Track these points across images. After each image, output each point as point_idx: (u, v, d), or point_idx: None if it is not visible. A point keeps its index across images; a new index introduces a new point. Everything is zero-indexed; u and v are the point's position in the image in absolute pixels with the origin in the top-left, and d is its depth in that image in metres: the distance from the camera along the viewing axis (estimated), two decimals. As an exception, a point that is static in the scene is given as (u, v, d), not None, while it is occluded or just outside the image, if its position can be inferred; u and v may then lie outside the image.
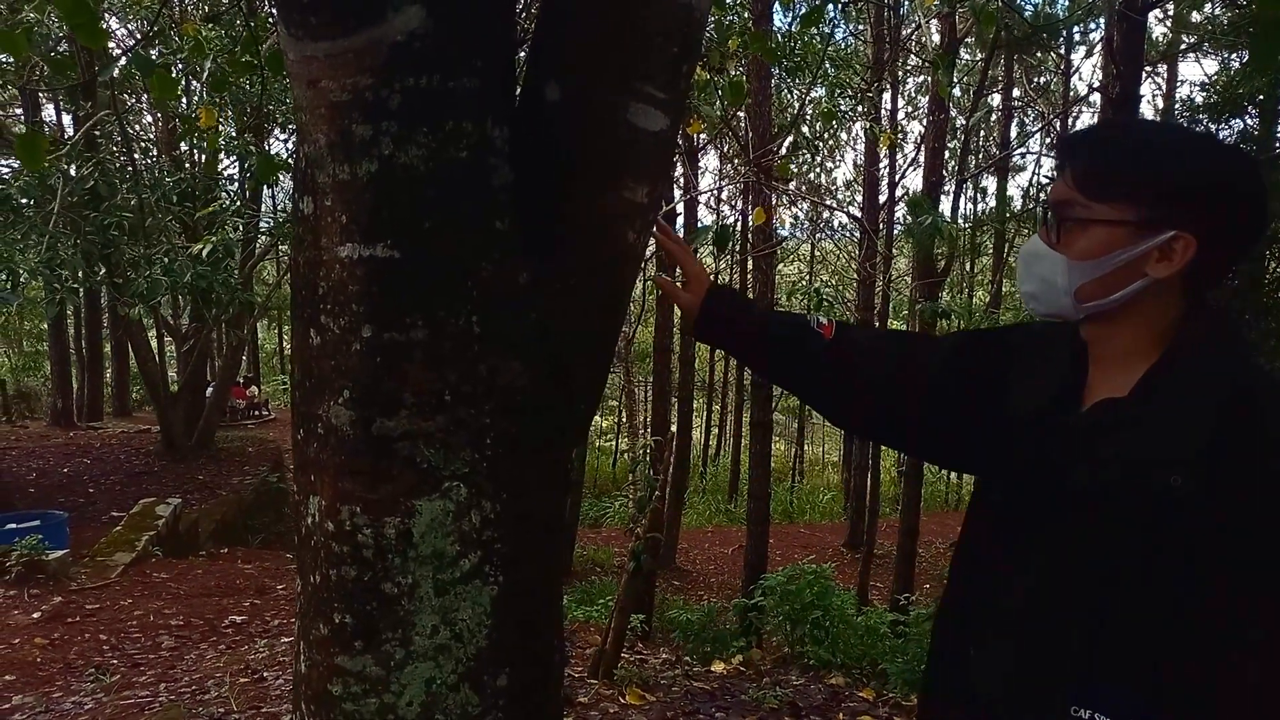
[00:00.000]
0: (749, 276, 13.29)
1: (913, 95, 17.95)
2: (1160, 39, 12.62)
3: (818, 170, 20.86)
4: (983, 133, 18.39)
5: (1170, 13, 10.32)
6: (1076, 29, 13.42)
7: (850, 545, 13.73)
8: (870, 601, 8.96)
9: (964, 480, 18.28)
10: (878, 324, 12.09)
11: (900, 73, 14.52)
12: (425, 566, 1.07)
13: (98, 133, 8.77)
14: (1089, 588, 0.89)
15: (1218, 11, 8.89)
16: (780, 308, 9.89)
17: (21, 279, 7.68)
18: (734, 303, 1.36)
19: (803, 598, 5.73)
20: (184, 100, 10.10)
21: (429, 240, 1.02)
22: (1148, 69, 13.36)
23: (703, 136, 12.00)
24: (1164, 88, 15.73)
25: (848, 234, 19.90)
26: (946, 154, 10.90)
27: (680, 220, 11.59)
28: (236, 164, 10.46)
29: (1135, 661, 0.86)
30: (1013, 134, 17.26)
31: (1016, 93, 17.07)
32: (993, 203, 18.39)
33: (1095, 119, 11.90)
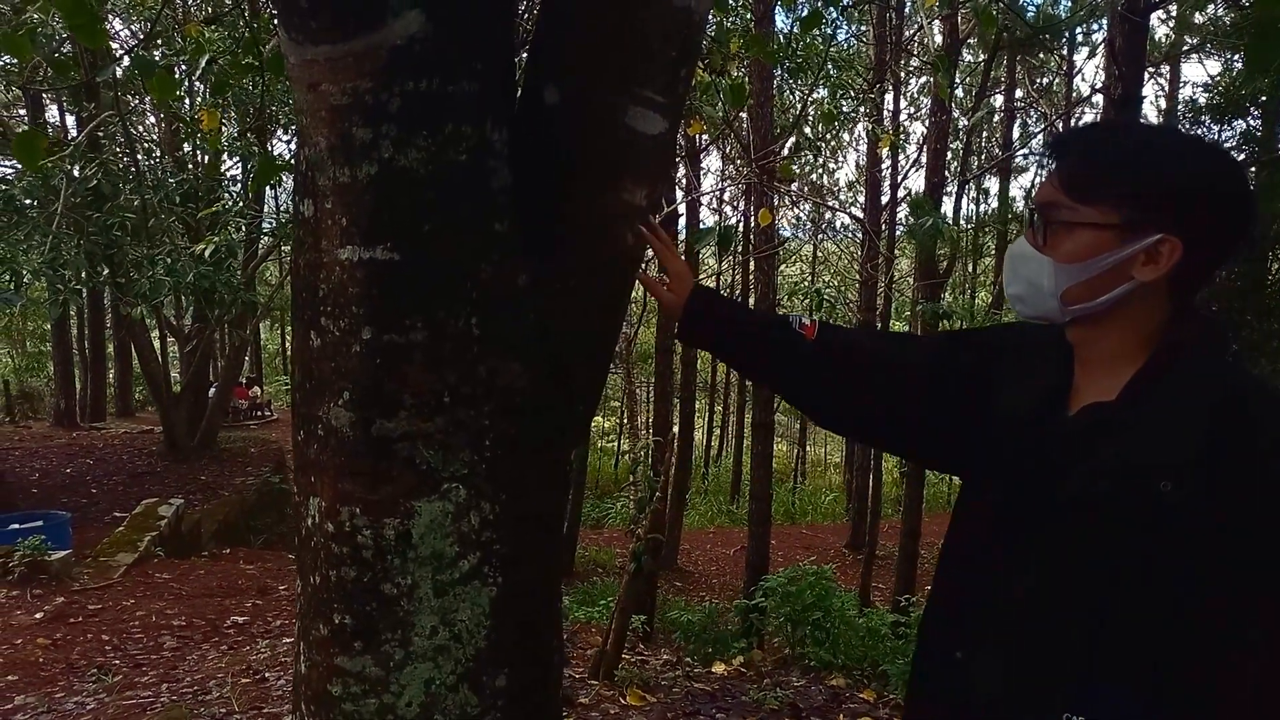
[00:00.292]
0: (751, 277, 13.29)
1: (915, 96, 17.94)
2: (1163, 39, 12.62)
3: (820, 171, 20.85)
4: (985, 134, 18.37)
5: (1173, 14, 10.31)
6: (1079, 29, 13.43)
7: (852, 546, 13.72)
8: (872, 603, 8.96)
9: (966, 481, 18.18)
10: (880, 325, 12.07)
11: (903, 74, 14.51)
12: (424, 567, 1.07)
13: (101, 133, 8.79)
14: (1086, 590, 0.89)
15: (1220, 12, 8.89)
16: (782, 308, 9.90)
17: (25, 279, 7.70)
18: (717, 303, 1.36)
19: (804, 599, 5.72)
20: (186, 102, 10.13)
21: (428, 242, 1.02)
22: (1150, 70, 13.36)
23: (705, 137, 11.99)
24: (1167, 89, 15.73)
25: (850, 235, 19.87)
26: (949, 155, 10.90)
27: (683, 221, 11.59)
28: (239, 165, 10.49)
29: (1134, 663, 0.86)
30: (1015, 135, 17.25)
31: (1019, 93, 17.07)
32: (995, 204, 18.39)
33: (1098, 119, 11.88)
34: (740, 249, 14.14)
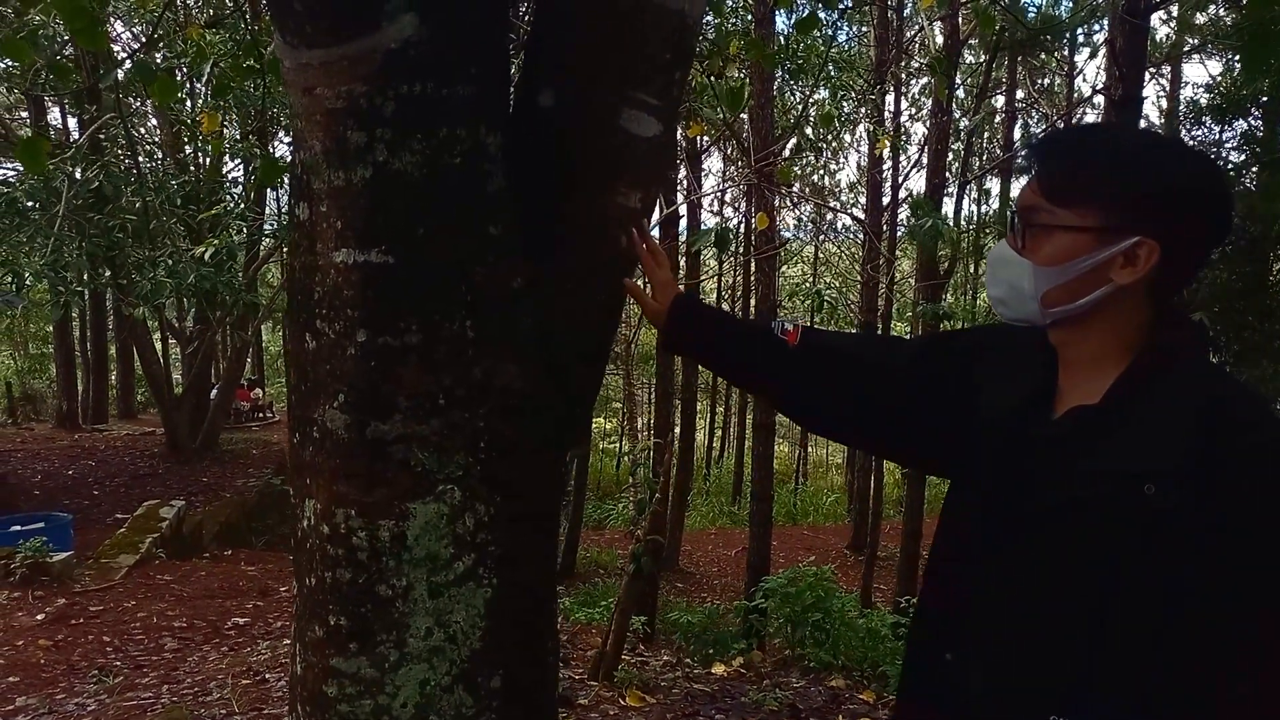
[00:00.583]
0: (752, 279, 13.29)
1: (916, 97, 17.94)
2: (1164, 40, 12.61)
3: (821, 172, 20.84)
4: (986, 134, 18.36)
5: (1174, 14, 10.30)
6: (1080, 30, 13.42)
7: (854, 547, 13.71)
8: (873, 604, 8.95)
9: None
10: (881, 326, 12.07)
11: (904, 75, 14.50)
12: (419, 569, 1.07)
13: (103, 136, 8.80)
14: (1071, 593, 0.89)
15: (1221, 13, 8.89)
16: (783, 309, 9.90)
17: (27, 281, 7.72)
18: (700, 311, 1.36)
19: (804, 600, 5.71)
20: (188, 104, 10.14)
21: (423, 245, 1.03)
22: (1151, 70, 13.35)
23: (705, 139, 12.00)
24: (1168, 89, 15.72)
25: (851, 236, 19.86)
26: (950, 156, 10.89)
27: (684, 223, 11.59)
28: (241, 167, 10.51)
29: (1121, 665, 0.86)
30: (1016, 136, 17.24)
31: (1020, 94, 17.05)
32: (996, 205, 18.38)
33: (1098, 120, 11.87)
34: (741, 250, 14.15)
